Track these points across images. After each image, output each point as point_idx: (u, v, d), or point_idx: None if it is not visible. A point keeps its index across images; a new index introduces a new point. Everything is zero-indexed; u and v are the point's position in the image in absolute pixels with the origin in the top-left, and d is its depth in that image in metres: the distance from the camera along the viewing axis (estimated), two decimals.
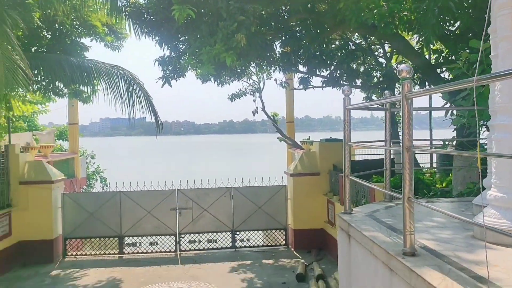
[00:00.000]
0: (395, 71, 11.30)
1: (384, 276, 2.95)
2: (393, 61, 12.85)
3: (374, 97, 13.31)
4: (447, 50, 9.05)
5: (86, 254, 11.69)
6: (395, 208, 4.37)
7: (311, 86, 12.35)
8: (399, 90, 13.16)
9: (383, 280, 2.99)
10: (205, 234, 12.11)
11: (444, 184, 7.84)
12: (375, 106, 5.87)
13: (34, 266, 10.65)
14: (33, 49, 11.97)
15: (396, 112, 12.20)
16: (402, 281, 2.66)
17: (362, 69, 12.64)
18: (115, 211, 11.68)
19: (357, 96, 16.36)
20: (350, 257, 3.87)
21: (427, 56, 10.87)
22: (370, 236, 3.28)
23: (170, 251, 11.82)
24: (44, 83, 11.92)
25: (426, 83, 10.04)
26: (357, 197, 8.66)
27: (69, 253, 11.63)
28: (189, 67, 9.33)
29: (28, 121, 20.48)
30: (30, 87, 9.23)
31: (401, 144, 2.87)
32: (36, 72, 10.51)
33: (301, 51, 10.57)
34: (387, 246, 2.98)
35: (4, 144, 11.92)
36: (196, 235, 12.07)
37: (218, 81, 12.09)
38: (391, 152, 6.11)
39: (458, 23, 8.03)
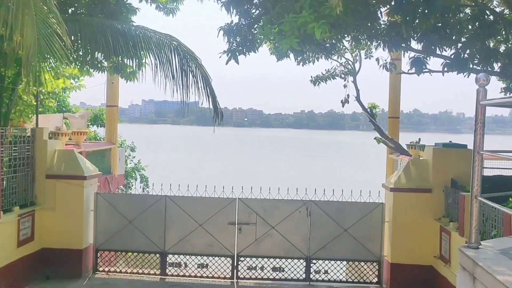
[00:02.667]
0: None
1: None
2: None
3: None
4: None
5: (120, 272, 12.39)
6: None
7: (427, 70, 12.03)
8: None
9: None
10: (271, 260, 12.31)
11: None
12: None
13: (59, 281, 11.45)
14: (69, 10, 12.78)
15: None
16: None
17: (502, 48, 12.10)
18: (158, 221, 12.24)
19: (493, 85, 15.67)
20: None
21: None
22: (506, 282, 3.20)
23: (224, 277, 12.19)
24: (81, 52, 12.65)
25: None
26: (484, 227, 8.36)
27: (101, 268, 12.41)
28: (264, 40, 9.52)
29: (58, 100, 21.77)
30: (67, 58, 9.78)
31: None
32: (73, 39, 11.23)
33: (416, 21, 10.34)
34: None
35: (30, 127, 12.84)
36: (259, 259, 12.30)
37: (299, 58, 12.21)
38: None
39: None
